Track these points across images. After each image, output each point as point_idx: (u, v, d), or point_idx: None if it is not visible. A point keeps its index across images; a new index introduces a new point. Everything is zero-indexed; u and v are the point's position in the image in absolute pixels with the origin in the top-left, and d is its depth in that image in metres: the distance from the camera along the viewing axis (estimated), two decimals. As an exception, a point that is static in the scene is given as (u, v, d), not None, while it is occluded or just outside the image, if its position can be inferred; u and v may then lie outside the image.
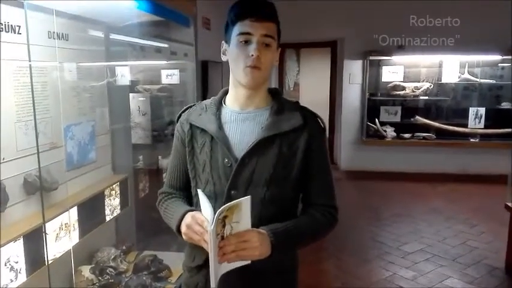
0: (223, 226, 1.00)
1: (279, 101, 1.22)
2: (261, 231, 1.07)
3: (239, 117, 1.20)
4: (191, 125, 1.22)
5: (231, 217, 1.00)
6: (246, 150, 1.14)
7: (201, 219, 1.06)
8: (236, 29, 1.12)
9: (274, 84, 6.60)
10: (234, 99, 1.22)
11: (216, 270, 1.02)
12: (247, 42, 1.11)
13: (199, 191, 1.12)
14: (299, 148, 1.16)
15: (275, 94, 1.24)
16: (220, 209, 0.97)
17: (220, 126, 1.18)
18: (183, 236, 1.13)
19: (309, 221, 1.19)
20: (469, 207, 4.74)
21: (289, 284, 1.26)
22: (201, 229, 1.05)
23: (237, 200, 0.99)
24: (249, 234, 1.03)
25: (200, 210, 1.11)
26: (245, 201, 1.00)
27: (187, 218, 1.11)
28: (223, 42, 1.20)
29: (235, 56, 1.14)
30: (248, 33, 1.10)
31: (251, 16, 1.10)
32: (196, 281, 1.24)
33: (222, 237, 1.01)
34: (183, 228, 1.11)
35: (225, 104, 1.24)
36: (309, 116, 1.20)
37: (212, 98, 1.28)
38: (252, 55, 1.10)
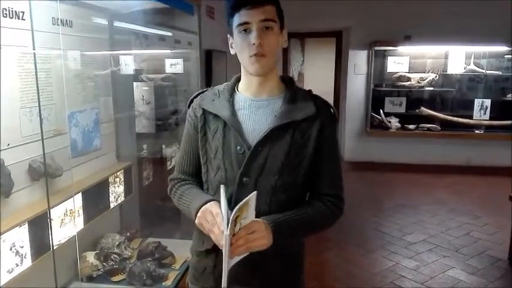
0: (235, 225, 1.00)
1: (292, 89, 1.22)
2: (264, 220, 1.09)
3: (252, 104, 1.20)
4: (204, 111, 1.22)
5: (241, 216, 1.00)
6: (259, 138, 1.14)
7: (216, 212, 1.07)
8: (235, 21, 1.13)
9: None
10: (247, 87, 1.22)
11: (228, 268, 1.02)
12: (247, 31, 1.11)
13: (222, 188, 1.11)
14: (311, 137, 1.16)
15: (288, 82, 1.24)
16: (233, 211, 0.97)
17: (233, 113, 1.18)
18: (196, 220, 1.12)
19: (311, 212, 1.18)
20: (473, 198, 4.73)
21: (294, 267, 1.26)
22: (213, 220, 1.06)
23: (246, 198, 0.99)
24: (256, 224, 1.05)
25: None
26: (252, 197, 1.01)
27: (207, 205, 1.11)
28: (228, 35, 1.20)
29: (240, 47, 1.15)
30: (246, 23, 1.11)
31: (246, 5, 1.10)
32: (204, 265, 1.25)
33: (233, 235, 1.02)
34: (199, 212, 1.11)
35: (237, 90, 1.24)
36: (321, 105, 1.20)
37: (225, 84, 1.27)
38: (254, 43, 1.10)
